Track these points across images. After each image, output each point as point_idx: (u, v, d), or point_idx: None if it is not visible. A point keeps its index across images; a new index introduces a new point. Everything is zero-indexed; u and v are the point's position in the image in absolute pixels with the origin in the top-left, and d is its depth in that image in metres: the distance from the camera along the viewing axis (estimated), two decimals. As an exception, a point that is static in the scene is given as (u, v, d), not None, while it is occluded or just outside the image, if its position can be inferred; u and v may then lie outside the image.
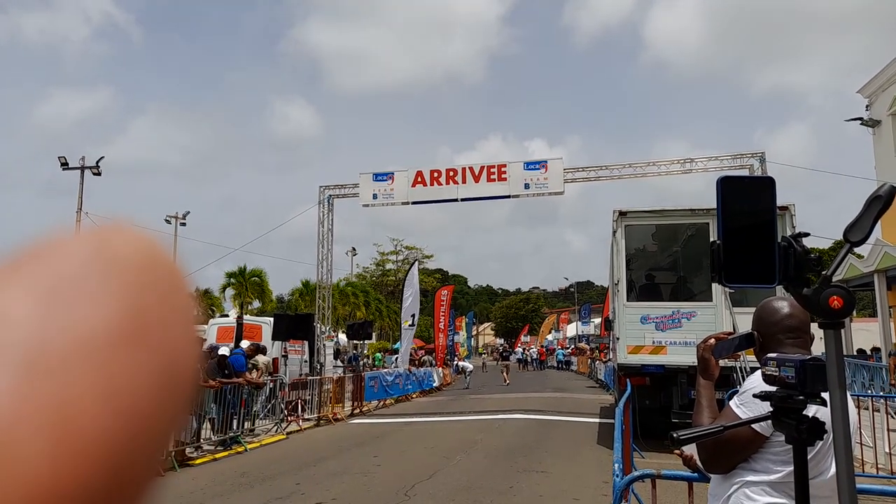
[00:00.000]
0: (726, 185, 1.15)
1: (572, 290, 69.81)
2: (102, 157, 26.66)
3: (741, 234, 1.12)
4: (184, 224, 35.29)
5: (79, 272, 0.23)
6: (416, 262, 29.26)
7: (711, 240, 1.17)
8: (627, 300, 10.87)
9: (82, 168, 26.01)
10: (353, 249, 48.16)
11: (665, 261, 13.32)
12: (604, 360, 26.01)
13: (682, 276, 12.36)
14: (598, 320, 40.74)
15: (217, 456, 10.03)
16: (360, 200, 19.64)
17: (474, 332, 68.23)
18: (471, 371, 28.34)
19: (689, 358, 9.91)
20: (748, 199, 1.14)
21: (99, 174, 26.25)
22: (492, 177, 18.61)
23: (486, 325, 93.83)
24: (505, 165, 18.77)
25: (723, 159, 18.01)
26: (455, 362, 31.86)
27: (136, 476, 0.23)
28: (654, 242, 12.78)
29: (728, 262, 1.12)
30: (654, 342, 10.34)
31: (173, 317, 0.25)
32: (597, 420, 13.89)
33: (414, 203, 19.55)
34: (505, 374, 30.36)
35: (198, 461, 9.64)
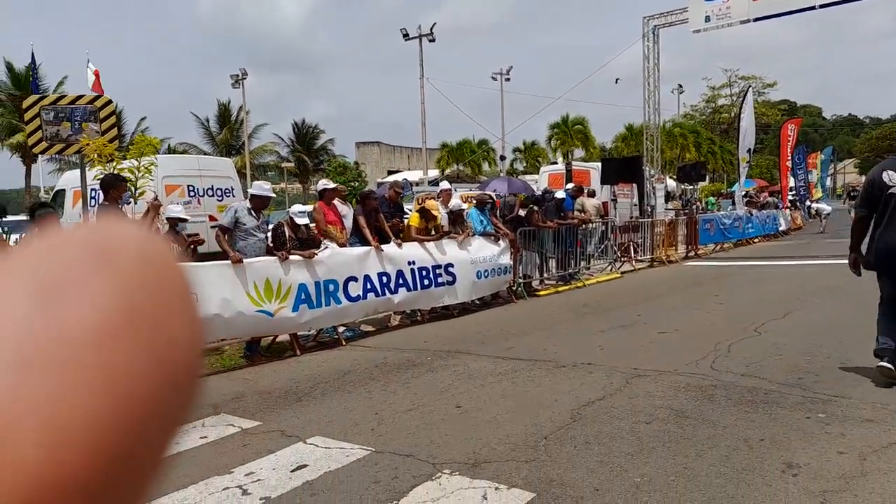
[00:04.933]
0: None
1: (980, 109, 53.53)
2: (435, 24, 28.79)
3: None
4: (508, 79, 36.79)
5: (72, 268, 0.23)
6: (750, 89, 25.71)
7: None
8: None
9: (420, 37, 28.59)
10: (680, 87, 44.43)
11: None
12: None
13: None
14: None
15: (559, 289, 10.95)
16: (690, 27, 17.66)
17: (831, 171, 58.60)
18: (828, 213, 24.74)
19: None
20: None
21: (433, 41, 28.59)
22: (865, -31, 14.74)
23: (847, 161, 79.58)
24: (886, -50, 14.60)
25: None
26: (807, 204, 28.11)
27: (137, 466, 0.23)
28: None
29: None
30: None
31: (170, 311, 0.25)
32: None
33: (756, 20, 16.78)
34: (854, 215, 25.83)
35: (542, 293, 10.70)
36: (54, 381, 0.22)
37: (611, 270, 13.10)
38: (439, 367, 6.02)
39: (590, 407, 4.62)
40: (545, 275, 11.34)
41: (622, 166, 16.40)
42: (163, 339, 0.24)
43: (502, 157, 36.49)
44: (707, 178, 33.33)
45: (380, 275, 7.89)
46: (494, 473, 3.58)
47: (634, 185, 16.91)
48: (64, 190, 11.67)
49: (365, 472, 3.70)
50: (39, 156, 26.23)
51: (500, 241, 9.72)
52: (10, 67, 31.61)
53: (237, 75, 32.75)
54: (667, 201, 20.38)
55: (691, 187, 25.67)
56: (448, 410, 4.73)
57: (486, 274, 9.33)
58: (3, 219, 6.65)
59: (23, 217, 13.23)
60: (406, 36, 28.63)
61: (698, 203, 27.38)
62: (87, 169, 7.87)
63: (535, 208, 11.13)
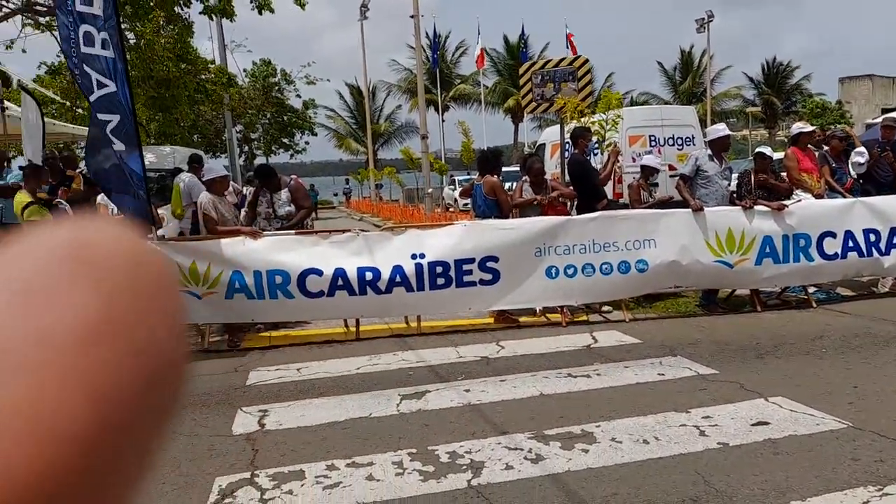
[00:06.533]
0: None
1: None
2: None
3: None
4: None
5: (53, 272, 0.23)
6: None
7: None
8: None
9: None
10: None
11: None
12: None
13: None
14: None
15: None
16: None
17: None
18: None
19: None
20: None
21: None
22: None
23: None
24: None
25: None
26: None
27: (118, 468, 0.23)
28: None
29: None
30: None
31: (153, 315, 0.24)
32: None
33: None
34: None
35: None
36: (33, 382, 0.22)
37: None
38: (949, 349, 4.85)
39: None
40: None
41: None
42: (143, 340, 0.24)
43: None
44: None
45: (865, 232, 6.70)
46: None
47: None
48: (544, 144, 13.41)
49: (839, 445, 3.32)
50: (525, 115, 30.68)
51: None
52: (506, 40, 37.62)
53: (702, 19, 31.44)
54: None
55: None
56: (961, 401, 3.81)
57: None
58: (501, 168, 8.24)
59: (513, 168, 15.81)
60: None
61: None
62: (564, 124, 8.85)
63: None
